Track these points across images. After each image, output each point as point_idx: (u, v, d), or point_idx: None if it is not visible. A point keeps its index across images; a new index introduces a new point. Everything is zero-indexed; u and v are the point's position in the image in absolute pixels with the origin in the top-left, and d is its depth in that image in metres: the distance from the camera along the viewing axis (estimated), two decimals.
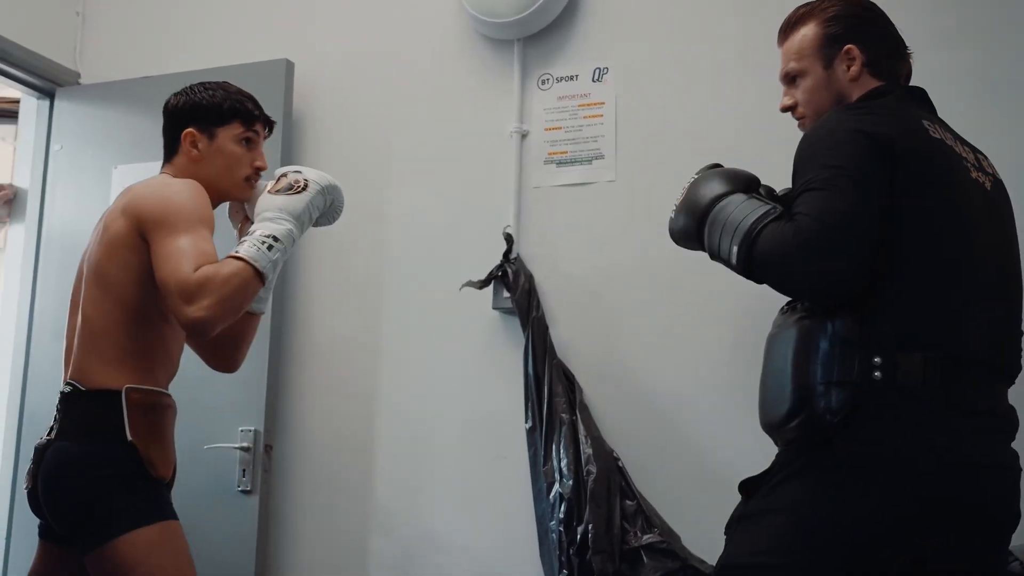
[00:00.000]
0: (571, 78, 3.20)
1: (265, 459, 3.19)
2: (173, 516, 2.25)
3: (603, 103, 3.15)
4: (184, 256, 2.12)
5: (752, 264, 1.83)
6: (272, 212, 2.24)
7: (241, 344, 2.54)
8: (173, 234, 2.17)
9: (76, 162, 3.62)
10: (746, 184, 1.99)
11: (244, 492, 3.14)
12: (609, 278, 3.05)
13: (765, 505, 1.88)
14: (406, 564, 3.14)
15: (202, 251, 2.16)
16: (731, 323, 2.78)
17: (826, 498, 1.79)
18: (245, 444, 3.16)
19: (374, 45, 3.45)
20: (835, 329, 1.80)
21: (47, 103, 3.72)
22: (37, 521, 3.36)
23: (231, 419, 3.18)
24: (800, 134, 2.04)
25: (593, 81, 3.17)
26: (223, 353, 2.52)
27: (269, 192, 2.30)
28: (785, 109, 2.14)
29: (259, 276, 2.15)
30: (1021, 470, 1.90)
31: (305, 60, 3.42)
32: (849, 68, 2.03)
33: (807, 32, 2.08)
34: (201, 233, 2.20)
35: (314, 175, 2.34)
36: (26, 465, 3.41)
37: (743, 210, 1.88)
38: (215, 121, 2.41)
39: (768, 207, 1.86)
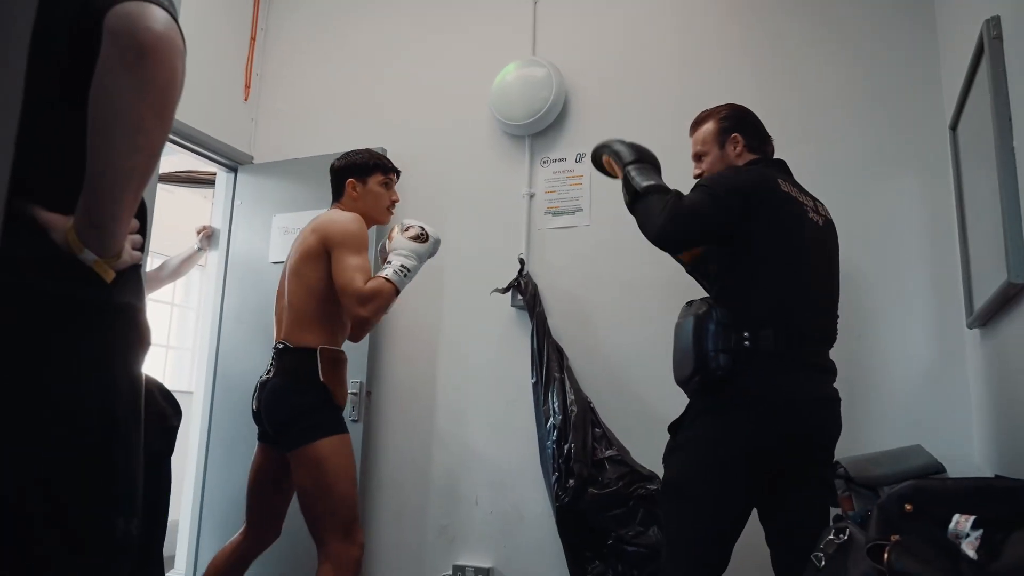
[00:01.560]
0: (561, 159, 3.25)
1: (367, 400, 3.26)
2: (346, 431, 2.32)
3: (582, 176, 3.19)
4: (359, 271, 2.22)
5: (637, 200, 1.93)
6: (407, 251, 2.32)
7: (369, 329, 2.59)
8: (349, 253, 2.25)
9: (250, 212, 3.68)
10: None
11: (354, 421, 3.16)
12: (585, 287, 3.10)
13: (683, 439, 1.91)
14: (455, 468, 3.19)
15: (367, 269, 2.26)
16: (663, 316, 2.68)
17: (721, 428, 1.83)
18: (354, 390, 3.20)
19: (439, 137, 3.49)
20: (718, 316, 1.84)
21: (233, 175, 3.78)
22: (222, 438, 3.43)
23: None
24: None
25: (575, 162, 3.22)
26: (357, 333, 2.57)
27: (403, 236, 2.35)
28: (696, 176, 2.14)
29: (397, 293, 2.26)
30: (840, 400, 1.95)
31: (395, 146, 3.46)
32: (735, 148, 2.07)
33: (708, 127, 2.12)
34: (365, 255, 2.29)
35: (431, 231, 2.41)
36: (218, 407, 3.51)
37: (652, 175, 1.99)
38: (366, 173, 2.49)
39: (664, 186, 1.95)
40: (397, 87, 3.66)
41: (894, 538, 1.29)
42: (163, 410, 2.12)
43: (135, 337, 1.08)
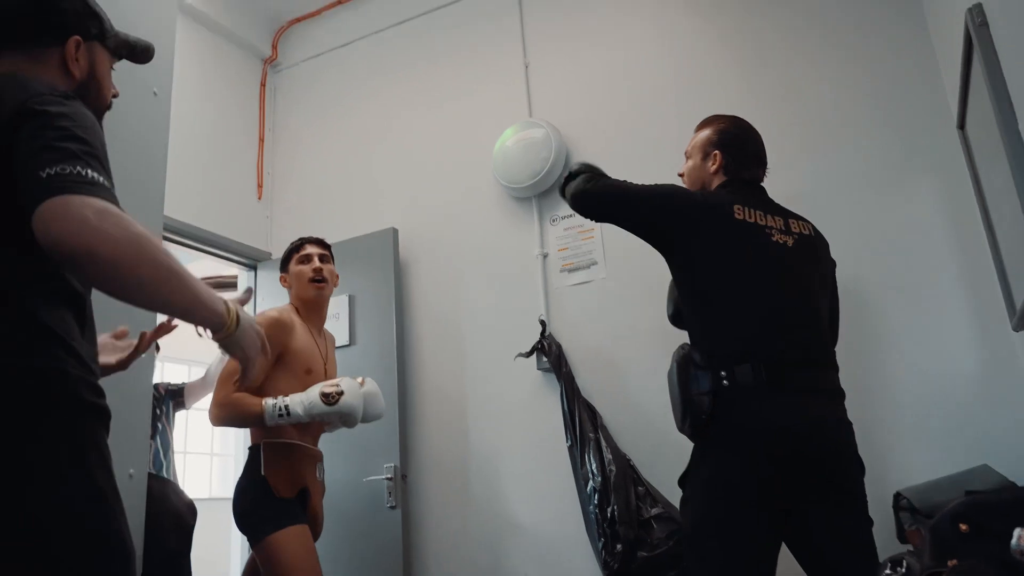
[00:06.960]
0: (570, 216, 3.20)
1: (403, 484, 3.18)
2: (296, 522, 2.22)
3: (593, 228, 3.15)
4: (232, 376, 2.20)
5: (564, 193, 2.08)
6: (306, 403, 2.25)
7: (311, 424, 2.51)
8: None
9: (271, 305, 3.67)
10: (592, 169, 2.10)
11: (391, 508, 3.12)
12: (611, 341, 3.03)
13: (691, 487, 1.83)
14: (498, 543, 3.07)
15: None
16: None
17: (713, 468, 1.76)
18: (389, 476, 3.16)
19: (447, 209, 3.51)
20: (695, 360, 1.81)
21: (253, 272, 3.87)
22: None
23: (379, 459, 3.18)
24: None
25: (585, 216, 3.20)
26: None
27: (321, 389, 2.28)
28: (680, 175, 2.12)
29: (261, 422, 2.24)
30: (845, 420, 1.79)
31: (405, 224, 3.52)
32: (712, 165, 2.00)
33: (704, 132, 2.06)
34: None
35: (350, 400, 2.29)
36: None
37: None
38: (286, 264, 2.59)
39: (589, 172, 2.03)
40: (401, 165, 3.72)
41: (952, 563, 1.17)
42: (177, 509, 2.10)
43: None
